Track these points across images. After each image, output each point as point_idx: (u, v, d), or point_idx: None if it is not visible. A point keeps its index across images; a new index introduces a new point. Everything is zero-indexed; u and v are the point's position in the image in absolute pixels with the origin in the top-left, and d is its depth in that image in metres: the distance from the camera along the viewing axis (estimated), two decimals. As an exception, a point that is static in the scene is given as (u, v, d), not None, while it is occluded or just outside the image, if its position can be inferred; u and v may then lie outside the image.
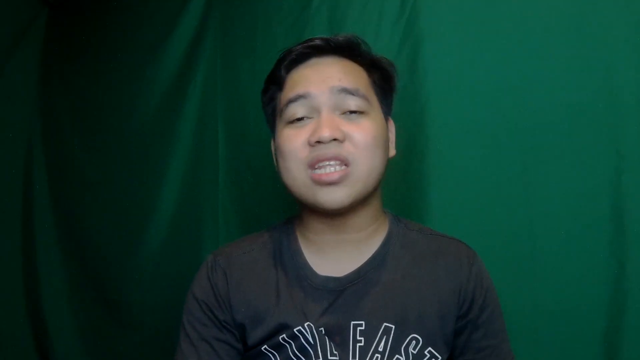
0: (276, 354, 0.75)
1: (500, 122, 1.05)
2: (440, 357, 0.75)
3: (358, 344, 0.73)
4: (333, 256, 0.79)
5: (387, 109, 0.84)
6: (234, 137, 1.30)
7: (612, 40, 0.99)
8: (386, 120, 0.82)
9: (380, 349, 0.73)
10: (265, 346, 0.75)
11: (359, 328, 0.74)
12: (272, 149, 0.85)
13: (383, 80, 0.83)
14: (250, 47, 1.28)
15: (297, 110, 0.76)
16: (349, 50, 0.80)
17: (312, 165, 0.73)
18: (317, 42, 0.79)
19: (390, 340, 0.74)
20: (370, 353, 0.73)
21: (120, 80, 1.44)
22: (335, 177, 0.71)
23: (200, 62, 1.34)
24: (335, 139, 0.72)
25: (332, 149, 0.72)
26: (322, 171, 0.72)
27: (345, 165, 0.73)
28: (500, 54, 1.06)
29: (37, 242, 1.50)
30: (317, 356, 0.73)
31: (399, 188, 1.10)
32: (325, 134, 0.71)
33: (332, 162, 0.72)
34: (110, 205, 1.44)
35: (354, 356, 0.73)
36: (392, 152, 0.83)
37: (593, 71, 1.00)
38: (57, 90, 1.54)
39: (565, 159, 1.01)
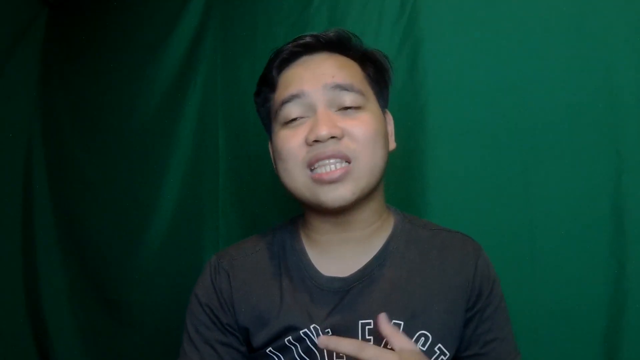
0: (281, 356, 0.74)
1: (500, 122, 1.05)
2: (448, 354, 0.75)
3: None
4: (338, 255, 0.78)
5: (384, 101, 0.83)
6: (234, 137, 1.30)
7: (612, 40, 0.99)
8: (383, 113, 0.81)
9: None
10: (270, 348, 0.75)
11: (367, 327, 0.73)
12: (270, 151, 0.85)
13: (377, 73, 0.81)
14: (250, 47, 1.28)
15: (292, 110, 0.74)
16: (340, 45, 0.79)
17: (311, 164, 0.71)
18: (307, 39, 0.78)
19: None
20: None
21: (120, 80, 1.44)
22: (336, 175, 0.70)
23: (200, 62, 1.34)
24: (333, 137, 0.71)
25: (330, 147, 0.70)
26: (322, 170, 0.71)
27: (347, 162, 0.71)
28: (500, 54, 1.06)
29: (37, 242, 1.51)
30: (322, 358, 0.72)
31: (399, 188, 1.09)
32: (323, 131, 0.70)
33: (331, 161, 0.71)
34: (110, 205, 1.44)
35: None
36: (392, 145, 0.82)
37: (593, 71, 1.00)
38: (57, 90, 1.54)
39: (565, 159, 1.01)
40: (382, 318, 0.66)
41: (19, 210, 1.52)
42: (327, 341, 0.63)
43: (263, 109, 0.83)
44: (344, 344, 0.62)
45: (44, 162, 1.54)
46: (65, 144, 1.52)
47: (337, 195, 0.71)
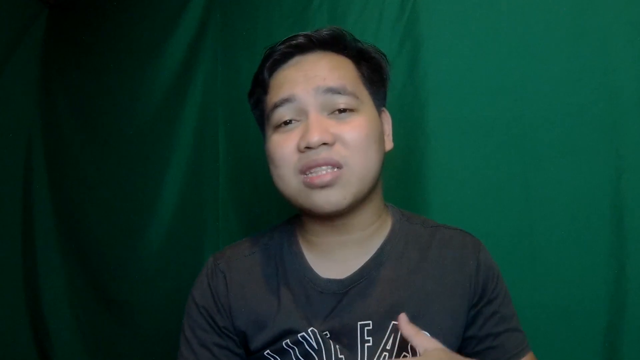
0: (279, 359, 0.74)
1: (500, 122, 1.05)
2: None
3: (366, 344, 0.72)
4: (336, 257, 0.77)
5: (380, 100, 0.81)
6: (234, 137, 1.30)
7: (612, 40, 0.99)
8: (380, 112, 0.79)
9: (389, 347, 0.72)
10: (268, 351, 0.74)
11: (366, 328, 0.72)
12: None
13: (372, 72, 0.79)
14: (250, 47, 1.28)
15: (283, 114, 0.73)
16: (334, 43, 0.77)
17: (304, 171, 0.71)
18: (300, 39, 0.76)
19: (398, 338, 0.72)
20: (378, 352, 0.72)
21: (120, 80, 1.44)
22: (327, 178, 0.69)
23: (200, 62, 1.34)
24: (324, 143, 0.69)
25: (322, 154, 0.69)
26: (314, 174, 0.70)
27: (339, 168, 0.70)
28: (500, 53, 1.06)
29: (37, 242, 1.51)
30: None
31: (399, 188, 1.09)
32: (314, 138, 0.68)
33: (323, 167, 0.70)
34: (111, 206, 1.44)
35: (362, 357, 0.72)
36: (389, 145, 0.81)
37: (593, 71, 1.00)
38: (57, 91, 1.54)
39: (565, 159, 1.01)
40: (403, 318, 0.65)
41: (19, 210, 1.52)
42: None
43: (257, 110, 0.82)
44: None
45: (44, 162, 1.54)
46: (65, 144, 1.52)
47: (330, 199, 0.70)
